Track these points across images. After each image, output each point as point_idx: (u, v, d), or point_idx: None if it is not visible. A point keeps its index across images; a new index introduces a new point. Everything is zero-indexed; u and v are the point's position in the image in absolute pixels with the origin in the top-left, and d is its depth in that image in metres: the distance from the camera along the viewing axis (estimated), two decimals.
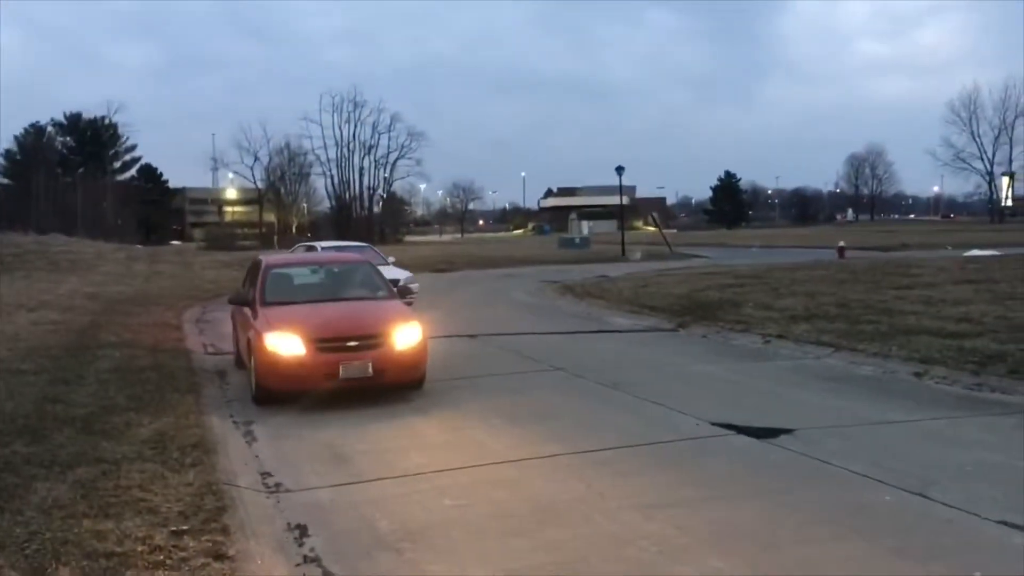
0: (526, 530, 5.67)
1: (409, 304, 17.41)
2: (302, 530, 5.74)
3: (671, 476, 6.76)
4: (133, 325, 16.04)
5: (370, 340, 9.44)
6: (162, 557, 4.91)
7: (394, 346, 9.51)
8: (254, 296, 10.46)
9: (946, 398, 9.70)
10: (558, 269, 35.49)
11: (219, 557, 4.97)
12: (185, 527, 5.38)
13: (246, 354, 10.28)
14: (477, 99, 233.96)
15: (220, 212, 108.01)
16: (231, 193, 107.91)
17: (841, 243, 37.49)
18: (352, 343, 9.33)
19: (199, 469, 6.70)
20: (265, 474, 7.05)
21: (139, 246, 59.84)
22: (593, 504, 6.13)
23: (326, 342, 9.26)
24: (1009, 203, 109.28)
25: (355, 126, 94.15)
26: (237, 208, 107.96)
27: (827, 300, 17.96)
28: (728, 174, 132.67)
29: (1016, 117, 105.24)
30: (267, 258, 11.79)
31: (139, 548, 5.03)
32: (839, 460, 7.04)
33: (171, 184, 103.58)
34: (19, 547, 5.03)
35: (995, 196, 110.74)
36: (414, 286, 20.00)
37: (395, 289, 11.41)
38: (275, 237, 62.61)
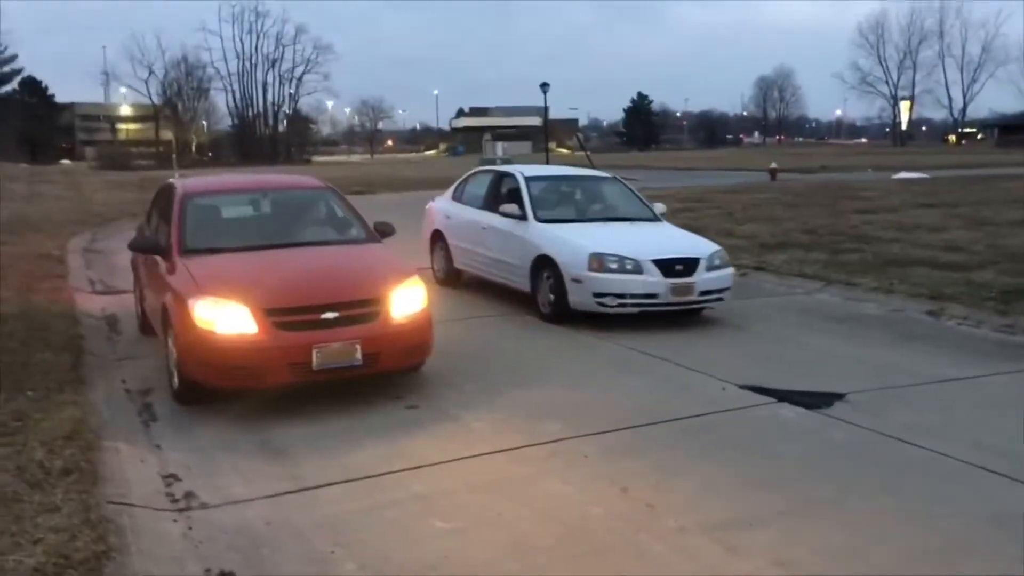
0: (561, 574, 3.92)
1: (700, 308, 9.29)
2: None
3: (729, 471, 5.07)
4: (1, 258, 13.49)
5: (357, 309, 6.32)
6: None
7: (391, 317, 6.42)
8: (170, 240, 7.09)
9: (984, 344, 8.33)
10: None
11: None
12: None
13: (159, 324, 7.06)
14: (382, 11, 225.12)
15: (113, 130, 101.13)
16: (125, 110, 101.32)
17: (773, 164, 36.45)
18: (329, 314, 6.18)
19: (72, 480, 4.68)
20: (170, 477, 5.08)
21: (24, 165, 55.01)
22: (643, 523, 4.40)
23: (290, 313, 6.14)
24: (904, 127, 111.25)
25: (257, 38, 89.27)
26: (132, 125, 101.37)
27: (791, 226, 16.58)
28: (641, 96, 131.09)
29: (921, 41, 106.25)
30: (183, 183, 8.04)
31: None
32: (927, 440, 5.48)
33: (58, 99, 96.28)
34: None
35: (897, 120, 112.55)
36: (722, 270, 9.26)
37: (372, 228, 7.73)
38: (174, 156, 58.64)
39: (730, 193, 25.83)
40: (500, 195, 10.65)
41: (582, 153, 65.98)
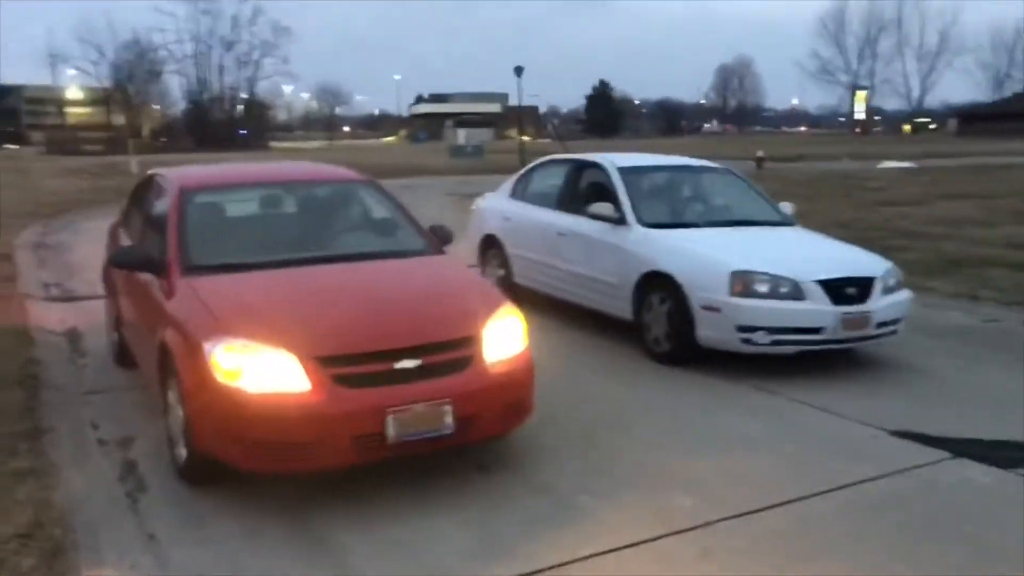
0: None
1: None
2: None
3: None
4: None
5: (444, 353, 4.43)
6: None
7: (486, 362, 4.54)
8: (167, 253, 5.04)
9: None
10: (459, 180, 31.81)
11: None
12: None
13: (152, 367, 5.02)
14: None
15: (62, 113, 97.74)
16: (74, 93, 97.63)
17: (760, 153, 35.24)
18: (407, 363, 4.29)
19: None
20: None
21: None
22: None
23: (355, 362, 4.22)
24: (861, 116, 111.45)
25: (213, 19, 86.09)
26: (81, 109, 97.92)
27: (820, 220, 15.16)
28: (602, 83, 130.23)
29: (880, 30, 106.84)
30: (177, 174, 5.94)
31: None
32: None
33: (3, 81, 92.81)
34: None
35: (853, 109, 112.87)
36: (898, 293, 7.05)
37: (432, 233, 5.84)
38: (130, 141, 55.59)
39: None
40: (581, 192, 8.32)
41: (546, 141, 64.35)
